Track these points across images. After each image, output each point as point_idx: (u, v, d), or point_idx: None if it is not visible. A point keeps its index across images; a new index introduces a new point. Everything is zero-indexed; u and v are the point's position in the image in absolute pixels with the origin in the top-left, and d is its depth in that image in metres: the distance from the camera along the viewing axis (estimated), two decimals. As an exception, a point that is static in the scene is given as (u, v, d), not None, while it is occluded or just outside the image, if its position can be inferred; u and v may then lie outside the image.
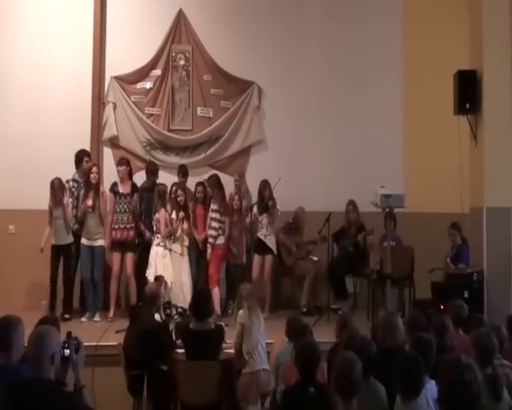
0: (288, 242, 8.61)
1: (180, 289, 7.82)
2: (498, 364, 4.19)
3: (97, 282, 8.03)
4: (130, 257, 8.06)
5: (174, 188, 8.19)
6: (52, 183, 7.87)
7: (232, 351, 5.71)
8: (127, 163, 8.25)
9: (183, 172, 8.56)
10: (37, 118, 8.82)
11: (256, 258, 8.36)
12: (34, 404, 2.99)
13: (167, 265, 7.86)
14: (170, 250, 7.96)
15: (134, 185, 8.27)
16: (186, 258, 8.09)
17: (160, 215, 7.96)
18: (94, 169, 8.04)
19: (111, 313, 7.95)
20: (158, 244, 7.92)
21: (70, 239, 8.03)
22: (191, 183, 8.60)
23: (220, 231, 8.11)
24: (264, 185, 8.38)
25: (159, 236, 7.94)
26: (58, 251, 7.97)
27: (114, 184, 8.16)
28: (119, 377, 5.75)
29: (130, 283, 8.02)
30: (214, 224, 8.12)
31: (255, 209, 8.43)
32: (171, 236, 7.98)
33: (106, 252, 8.11)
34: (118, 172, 8.18)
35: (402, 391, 3.66)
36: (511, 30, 7.59)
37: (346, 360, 3.67)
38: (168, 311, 7.75)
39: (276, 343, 5.73)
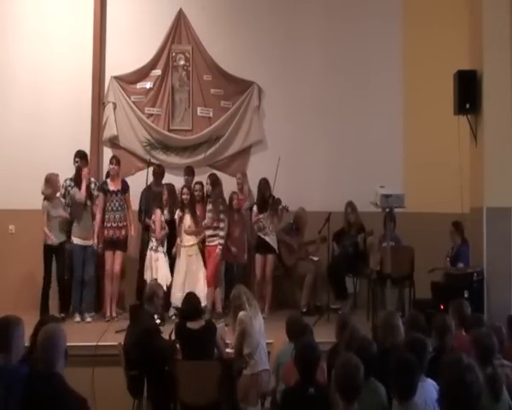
0: (289, 240, 8.61)
1: (186, 288, 7.54)
2: (498, 364, 4.19)
3: (88, 282, 7.88)
4: (119, 256, 7.95)
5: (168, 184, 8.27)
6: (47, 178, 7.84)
7: (232, 351, 5.72)
8: (119, 162, 8.17)
9: (190, 172, 8.60)
10: (37, 118, 8.82)
11: (258, 258, 8.34)
12: (46, 397, 3.09)
13: (160, 267, 7.78)
14: (164, 253, 7.90)
15: (124, 182, 8.16)
16: (197, 256, 8.01)
17: (156, 216, 7.90)
18: (85, 171, 7.99)
19: (107, 313, 7.87)
20: (151, 248, 7.85)
21: (63, 238, 7.94)
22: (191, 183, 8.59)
23: (217, 231, 8.04)
24: (265, 184, 8.37)
25: (153, 239, 7.87)
26: (52, 250, 7.86)
27: (104, 183, 8.11)
28: (119, 377, 5.74)
29: (115, 281, 7.89)
30: (209, 224, 8.07)
31: (255, 209, 8.40)
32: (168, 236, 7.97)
33: (97, 251, 7.99)
34: (110, 169, 8.10)
35: (397, 392, 3.65)
36: (511, 30, 7.59)
37: (349, 362, 3.66)
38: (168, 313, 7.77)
39: (277, 343, 5.73)
